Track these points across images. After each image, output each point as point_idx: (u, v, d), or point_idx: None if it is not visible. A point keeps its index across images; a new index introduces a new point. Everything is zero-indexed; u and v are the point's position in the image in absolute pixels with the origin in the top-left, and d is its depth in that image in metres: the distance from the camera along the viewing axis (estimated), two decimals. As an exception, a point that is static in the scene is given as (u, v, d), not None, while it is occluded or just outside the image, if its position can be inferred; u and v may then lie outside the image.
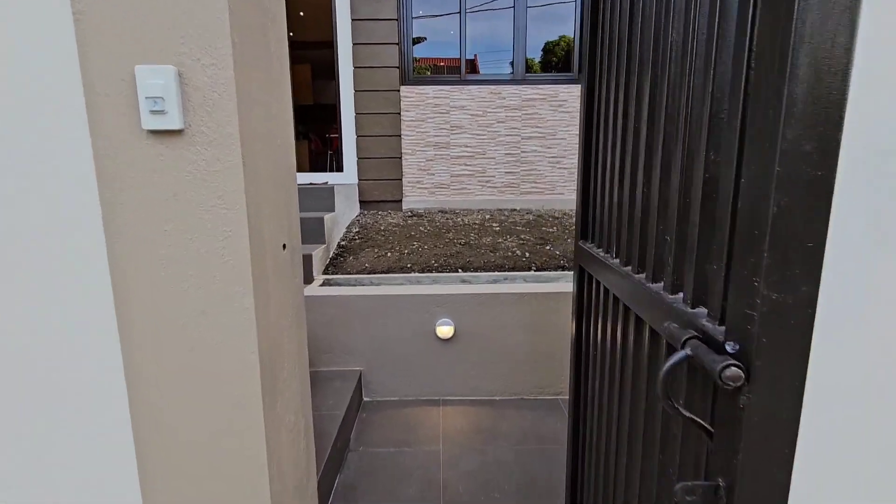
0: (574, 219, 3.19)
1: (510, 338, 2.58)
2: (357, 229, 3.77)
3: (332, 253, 3.25)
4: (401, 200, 4.46)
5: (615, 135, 1.06)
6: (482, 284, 2.82)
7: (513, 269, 3.03)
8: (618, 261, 1.04)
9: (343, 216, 3.76)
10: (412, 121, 4.36)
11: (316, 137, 8.56)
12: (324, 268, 3.06)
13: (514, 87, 4.35)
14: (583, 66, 1.21)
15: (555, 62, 4.95)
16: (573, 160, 4.46)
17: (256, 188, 1.06)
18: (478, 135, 4.40)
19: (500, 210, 4.41)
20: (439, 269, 3.04)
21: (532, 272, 2.96)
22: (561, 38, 7.22)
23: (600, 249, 1.16)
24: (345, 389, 2.39)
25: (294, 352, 1.35)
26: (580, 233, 1.25)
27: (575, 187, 4.54)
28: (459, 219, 4.07)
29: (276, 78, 1.28)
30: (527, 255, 3.21)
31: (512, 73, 4.45)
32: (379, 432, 2.32)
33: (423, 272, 3.00)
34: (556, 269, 3.02)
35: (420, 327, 2.56)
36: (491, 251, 3.29)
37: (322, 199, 3.46)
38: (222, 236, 0.99)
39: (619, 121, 1.02)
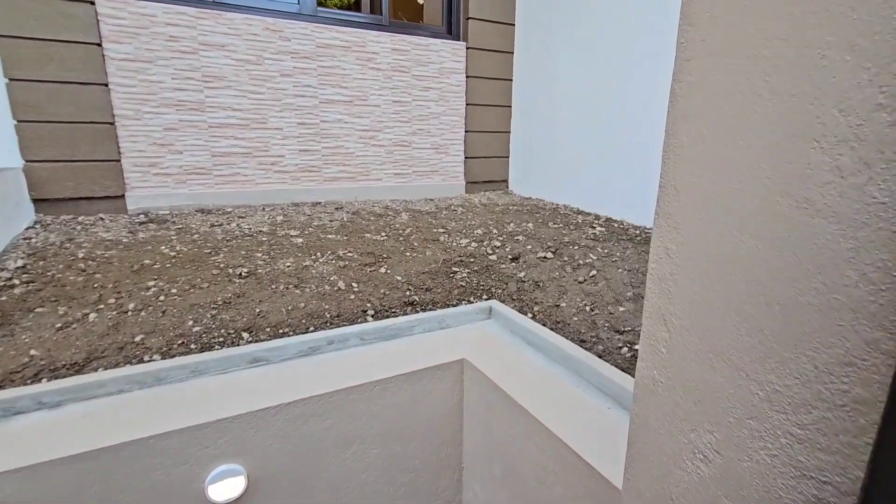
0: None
1: (350, 461, 1.47)
2: (21, 263, 1.98)
3: (-67, 336, 1.50)
4: (123, 196, 2.70)
5: None
6: (290, 362, 1.60)
7: (337, 319, 1.88)
8: None
9: (-18, 239, 1.91)
10: (128, 61, 2.59)
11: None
12: None
13: (303, 23, 2.99)
14: None
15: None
16: (391, 135, 3.40)
17: None
18: (252, 92, 2.92)
19: (297, 206, 3.09)
20: (203, 340, 1.66)
21: (371, 323, 1.86)
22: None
23: None
24: None
25: None
26: None
27: (398, 171, 3.50)
28: (234, 224, 2.62)
29: None
30: (354, 287, 2.08)
31: (298, 4, 3.06)
32: None
33: (168, 352, 1.58)
34: (403, 308, 1.99)
35: (175, 491, 1.22)
36: (296, 285, 2.04)
37: None
38: None
39: None
